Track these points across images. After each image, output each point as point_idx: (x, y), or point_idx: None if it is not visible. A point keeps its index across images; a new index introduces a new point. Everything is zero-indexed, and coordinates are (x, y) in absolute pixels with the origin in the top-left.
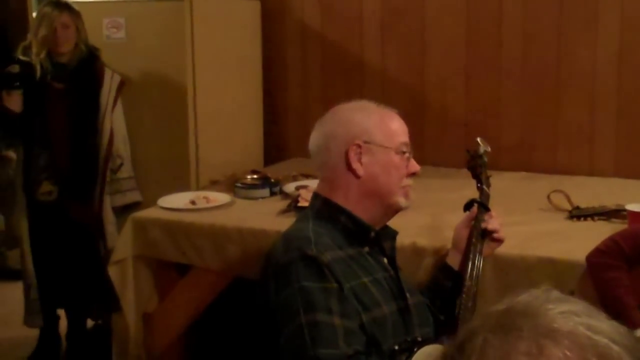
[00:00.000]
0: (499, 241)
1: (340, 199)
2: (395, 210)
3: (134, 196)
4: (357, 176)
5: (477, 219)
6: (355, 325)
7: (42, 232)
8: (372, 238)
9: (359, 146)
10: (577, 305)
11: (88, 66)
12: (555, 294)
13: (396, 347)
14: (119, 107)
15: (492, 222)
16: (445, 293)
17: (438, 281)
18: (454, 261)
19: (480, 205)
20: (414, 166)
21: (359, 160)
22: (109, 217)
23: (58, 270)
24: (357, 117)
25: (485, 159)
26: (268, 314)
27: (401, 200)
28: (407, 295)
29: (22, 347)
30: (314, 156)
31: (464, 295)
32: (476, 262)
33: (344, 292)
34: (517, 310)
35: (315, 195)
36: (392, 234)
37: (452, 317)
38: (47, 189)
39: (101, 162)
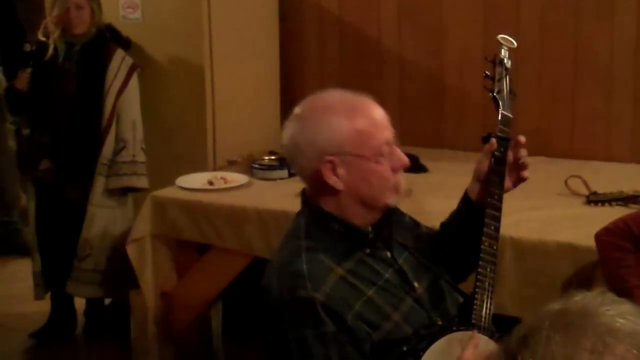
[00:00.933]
0: (522, 177)
1: (328, 206)
2: (386, 208)
3: (131, 181)
4: (337, 190)
5: (494, 158)
6: None
7: (43, 208)
8: (370, 239)
9: (331, 162)
10: (632, 307)
11: (95, 47)
12: (610, 296)
13: (404, 348)
14: (132, 90)
15: (511, 152)
16: (462, 219)
17: (460, 213)
18: (473, 191)
19: (499, 139)
20: (400, 160)
21: (335, 174)
22: (94, 199)
23: (59, 246)
24: (322, 125)
25: (509, 65)
26: (267, 343)
27: (390, 199)
28: (415, 284)
29: (38, 321)
30: (288, 160)
31: (480, 261)
32: (495, 214)
33: (346, 327)
34: (575, 310)
35: (305, 201)
36: (389, 218)
37: (469, 245)
38: (45, 166)
39: (99, 144)
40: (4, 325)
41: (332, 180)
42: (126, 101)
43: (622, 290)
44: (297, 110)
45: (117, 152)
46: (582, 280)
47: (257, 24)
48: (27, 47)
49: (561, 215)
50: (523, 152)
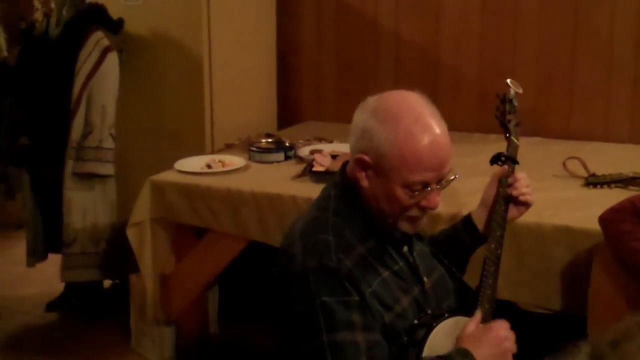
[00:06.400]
0: (527, 205)
1: (358, 188)
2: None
3: (95, 167)
4: (362, 185)
5: (505, 176)
6: (377, 336)
7: (32, 182)
8: (390, 236)
9: (367, 162)
10: None
11: (76, 27)
12: None
13: (415, 322)
14: (106, 74)
15: (516, 187)
16: (463, 249)
17: (458, 234)
18: (478, 218)
19: (507, 160)
20: (429, 202)
21: (364, 171)
22: (67, 182)
23: (45, 221)
24: (384, 127)
25: (516, 104)
26: (282, 314)
27: (404, 226)
28: (425, 279)
29: (40, 304)
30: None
31: (486, 259)
32: (501, 222)
33: (366, 301)
34: None
35: (342, 173)
36: None
37: (463, 270)
38: (23, 142)
39: (69, 126)
40: (8, 308)
41: (360, 175)
42: (98, 85)
43: (635, 265)
44: (374, 101)
45: (84, 135)
46: (578, 264)
47: (255, 7)
48: (22, 25)
49: (559, 198)
50: (524, 183)
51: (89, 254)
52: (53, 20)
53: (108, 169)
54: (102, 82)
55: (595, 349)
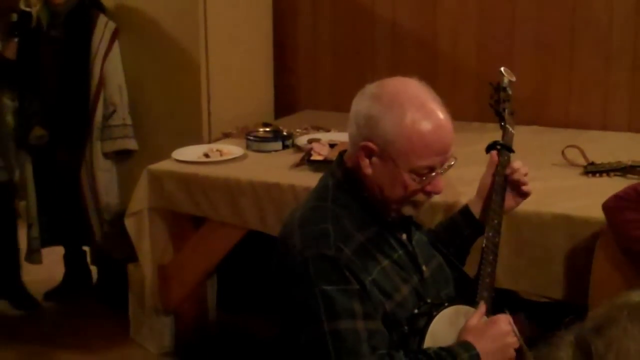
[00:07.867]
0: (525, 194)
1: (360, 177)
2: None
3: (125, 143)
4: (365, 173)
5: (500, 164)
6: (378, 324)
7: (40, 174)
8: (389, 222)
9: (371, 149)
10: None
11: (81, 14)
12: None
13: (415, 311)
14: (115, 55)
15: (516, 174)
16: (462, 240)
17: (456, 225)
18: (476, 208)
19: (502, 148)
20: (434, 188)
21: (369, 159)
22: (98, 163)
23: (62, 208)
24: (389, 113)
25: (510, 92)
26: (283, 303)
27: (407, 210)
28: (424, 268)
29: (37, 293)
30: (349, 123)
31: (484, 248)
32: (498, 211)
33: (366, 290)
34: None
35: (340, 162)
36: None
37: (463, 261)
38: (38, 133)
39: (90, 109)
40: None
41: (363, 162)
42: (111, 66)
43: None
44: (375, 88)
45: (107, 116)
46: (578, 252)
47: None
48: (14, 17)
49: (558, 187)
50: (523, 171)
51: (116, 232)
52: (61, 10)
53: (134, 144)
54: (115, 63)
55: (579, 336)
